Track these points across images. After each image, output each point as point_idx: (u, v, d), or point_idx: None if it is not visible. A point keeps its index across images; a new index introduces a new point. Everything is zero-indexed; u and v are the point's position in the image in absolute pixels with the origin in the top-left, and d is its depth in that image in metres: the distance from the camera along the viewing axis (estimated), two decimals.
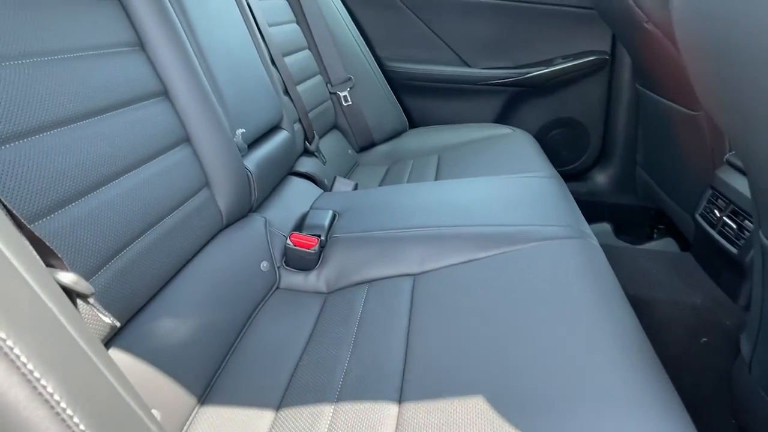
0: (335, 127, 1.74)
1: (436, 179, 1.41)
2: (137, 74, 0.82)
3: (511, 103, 1.86)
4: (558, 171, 1.84)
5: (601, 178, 1.89)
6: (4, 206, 0.50)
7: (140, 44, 0.86)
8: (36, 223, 0.56)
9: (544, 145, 1.66)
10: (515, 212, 0.99)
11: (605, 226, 1.82)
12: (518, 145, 1.49)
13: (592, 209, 1.87)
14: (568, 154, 1.89)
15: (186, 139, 0.90)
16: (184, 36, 0.92)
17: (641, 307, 1.07)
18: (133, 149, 0.76)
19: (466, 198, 1.08)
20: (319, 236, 1.02)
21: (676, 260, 1.27)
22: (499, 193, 1.09)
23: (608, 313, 0.72)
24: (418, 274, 0.92)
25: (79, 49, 0.72)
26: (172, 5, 0.92)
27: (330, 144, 1.63)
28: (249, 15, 1.21)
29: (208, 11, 1.02)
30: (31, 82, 0.62)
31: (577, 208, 1.04)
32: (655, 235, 1.75)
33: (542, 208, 1.00)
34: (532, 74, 1.78)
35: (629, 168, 1.78)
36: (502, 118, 1.88)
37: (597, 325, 0.69)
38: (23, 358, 0.34)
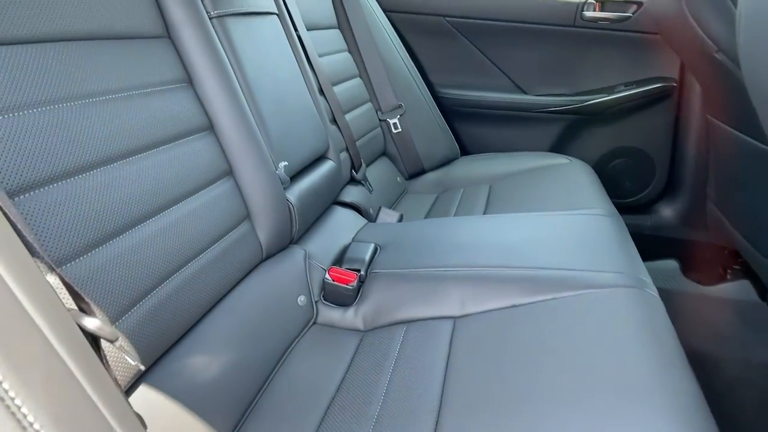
0: (384, 154, 1.73)
1: (485, 211, 1.36)
2: (184, 110, 0.83)
3: (568, 131, 1.78)
4: (620, 203, 1.74)
5: (667, 212, 1.77)
6: (33, 249, 0.51)
7: (188, 80, 0.87)
8: (69, 264, 0.57)
9: (604, 176, 1.57)
10: (565, 255, 0.93)
11: (672, 263, 1.69)
12: (575, 176, 1.41)
13: (657, 244, 1.75)
14: (631, 185, 1.78)
15: (229, 172, 0.91)
16: (231, 70, 0.93)
17: (707, 365, 0.97)
18: (176, 184, 0.77)
19: (513, 236, 1.02)
20: (359, 271, 1.00)
21: (750, 310, 1.15)
22: (549, 232, 1.03)
23: (664, 375, 0.64)
24: (459, 317, 0.88)
25: (131, 88, 0.74)
26: (220, 40, 0.94)
27: (378, 171, 1.61)
28: (298, 46, 1.22)
29: (257, 44, 1.04)
30: (84, 122, 0.64)
31: (636, 253, 0.96)
32: (728, 276, 1.61)
33: (596, 251, 0.93)
34: (592, 102, 1.70)
35: (699, 202, 1.65)
36: (559, 146, 1.80)
37: (649, 388, 0.62)
38: (24, 410, 0.32)
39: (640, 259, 0.94)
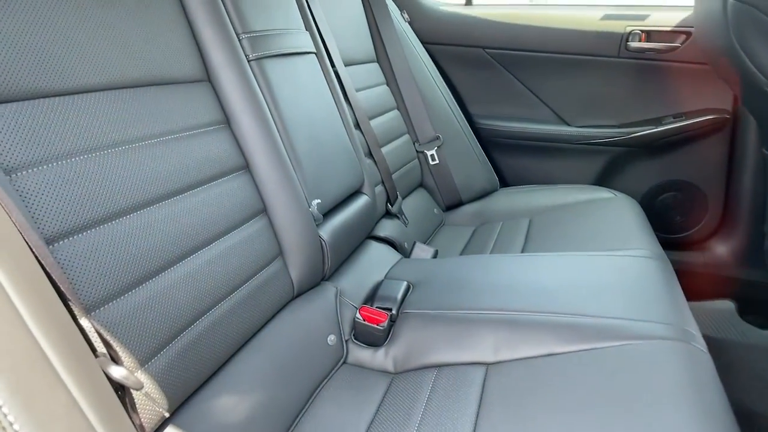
0: (422, 185, 1.72)
1: (524, 247, 1.32)
2: (221, 151, 0.85)
3: (613, 163, 1.72)
4: (669, 238, 1.66)
5: (722, 249, 1.67)
6: (65, 296, 0.52)
7: (226, 121, 0.90)
8: (101, 309, 0.58)
9: (652, 210, 1.50)
10: (606, 301, 0.88)
11: (728, 304, 1.58)
12: (619, 212, 1.36)
13: (711, 284, 1.65)
14: (681, 220, 1.70)
15: (262, 211, 0.92)
16: (268, 110, 0.95)
17: (761, 425, 0.89)
18: (210, 225, 0.78)
19: (551, 279, 0.99)
20: (390, 310, 0.98)
21: None
22: (589, 275, 0.98)
23: None
24: (491, 363, 0.85)
25: (171, 132, 0.76)
26: (258, 81, 0.96)
27: (415, 203, 1.60)
28: (335, 82, 1.24)
29: (294, 83, 1.06)
30: (124, 168, 0.67)
31: (684, 301, 0.91)
32: None
33: (639, 299, 0.88)
34: (638, 134, 1.64)
35: (757, 239, 1.55)
36: (603, 180, 1.74)
37: None
38: None
39: (688, 307, 0.89)
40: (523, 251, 1.29)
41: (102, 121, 0.66)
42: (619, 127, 1.69)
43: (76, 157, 0.61)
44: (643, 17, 1.58)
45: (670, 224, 1.69)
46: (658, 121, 1.63)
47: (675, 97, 1.61)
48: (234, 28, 0.95)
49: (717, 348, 0.78)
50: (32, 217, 0.54)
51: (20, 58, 0.58)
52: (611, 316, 0.84)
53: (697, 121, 1.57)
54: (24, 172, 0.55)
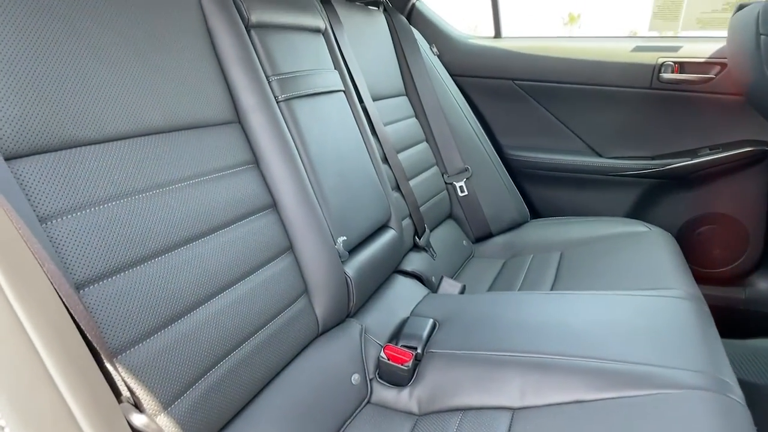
0: (451, 216, 1.71)
1: (554, 282, 1.30)
2: (249, 191, 0.87)
3: (647, 196, 1.68)
4: (708, 273, 1.60)
5: (764, 285, 1.59)
6: (91, 342, 0.54)
7: (255, 161, 0.92)
8: (126, 353, 0.60)
9: (688, 244, 1.45)
10: (637, 346, 0.85)
11: None
12: (653, 248, 1.32)
13: (753, 321, 1.57)
14: (721, 255, 1.63)
15: (288, 248, 0.93)
16: (296, 150, 0.97)
17: None
18: (236, 265, 0.80)
19: (581, 320, 0.96)
20: (416, 349, 0.98)
21: None
22: (621, 316, 0.95)
23: None
24: (517, 408, 0.83)
25: (201, 174, 0.79)
26: (286, 121, 0.98)
27: (443, 235, 1.60)
28: (363, 118, 1.26)
29: (321, 121, 1.08)
30: (155, 212, 0.69)
31: (720, 347, 0.87)
32: None
33: (673, 344, 0.85)
34: (673, 166, 1.60)
35: None
36: (636, 212, 1.70)
37: None
38: None
39: (724, 354, 0.85)
40: (553, 288, 1.27)
41: (133, 167, 0.68)
42: (652, 158, 1.65)
43: (107, 203, 0.63)
44: (675, 48, 1.56)
45: (708, 258, 1.63)
46: (693, 153, 1.59)
47: (710, 128, 1.57)
48: (264, 70, 0.98)
49: (757, 395, 0.74)
50: (63, 263, 0.56)
51: (58, 111, 0.61)
52: (642, 362, 0.81)
53: (734, 153, 1.52)
54: (58, 220, 0.58)
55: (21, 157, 0.57)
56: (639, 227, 1.49)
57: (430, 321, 1.05)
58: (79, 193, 0.61)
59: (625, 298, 1.03)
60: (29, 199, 0.56)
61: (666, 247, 1.32)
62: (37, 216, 0.56)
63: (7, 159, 0.56)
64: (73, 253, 0.58)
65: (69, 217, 0.59)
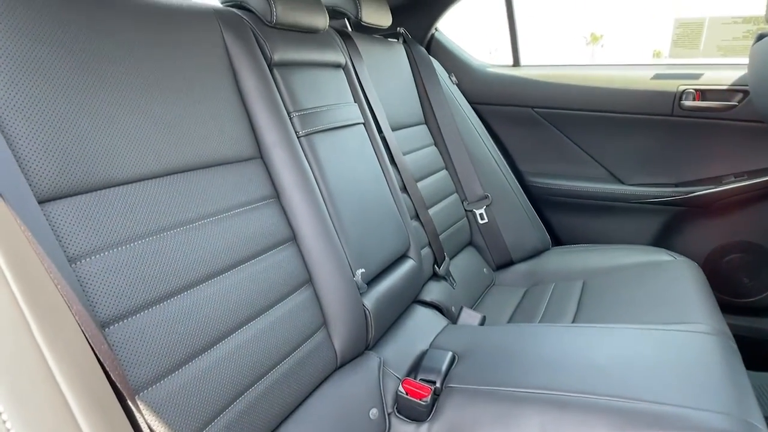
0: (471, 244, 1.71)
1: (576, 314, 1.28)
2: (271, 225, 0.89)
3: (671, 224, 1.65)
4: (736, 302, 1.55)
5: None
6: (113, 380, 0.55)
7: (276, 195, 0.94)
8: (147, 390, 0.61)
9: (715, 272, 1.42)
10: (661, 384, 0.83)
11: None
12: (679, 278, 1.29)
13: None
14: (749, 284, 1.59)
15: (308, 281, 0.94)
16: (315, 183, 0.99)
17: None
18: (257, 299, 0.81)
19: (603, 355, 0.94)
20: (435, 383, 0.97)
21: None
22: (644, 352, 0.93)
23: None
24: None
25: (224, 210, 0.81)
26: (306, 156, 1.01)
27: (463, 263, 1.59)
28: (382, 148, 1.27)
29: (341, 153, 1.10)
30: (178, 249, 0.71)
31: (748, 385, 0.84)
32: None
33: (698, 383, 0.82)
34: (698, 193, 1.57)
35: None
36: (661, 240, 1.67)
37: None
38: None
39: (752, 394, 0.82)
40: (575, 319, 1.25)
41: (159, 205, 0.71)
42: (676, 185, 1.63)
43: (133, 242, 0.65)
44: (695, 76, 1.55)
45: (737, 288, 1.58)
46: (718, 181, 1.56)
47: (735, 155, 1.54)
48: (285, 106, 1.01)
49: None
50: (89, 303, 0.58)
51: (89, 155, 0.64)
52: (666, 402, 0.79)
53: (761, 181, 1.49)
54: (86, 260, 0.60)
55: (54, 200, 0.60)
56: (663, 256, 1.46)
57: (450, 354, 1.05)
58: (106, 233, 0.63)
59: (649, 332, 1.00)
60: (60, 241, 0.58)
61: (692, 277, 1.29)
62: (67, 257, 0.58)
63: (40, 202, 0.58)
64: (100, 292, 0.60)
65: (97, 256, 0.61)
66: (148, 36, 0.76)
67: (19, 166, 0.57)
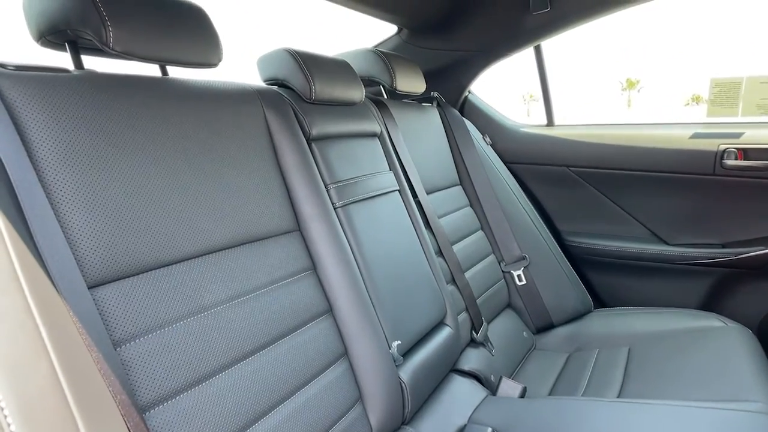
0: (509, 306, 1.67)
1: (622, 387, 1.21)
2: (308, 297, 0.90)
3: (719, 286, 1.58)
4: None
5: None
6: None
7: (313, 267, 0.95)
8: None
9: None
10: None
11: None
12: (731, 348, 1.22)
13: None
14: None
15: (343, 354, 0.94)
16: (352, 254, 1.00)
17: None
18: (294, 375, 0.80)
19: None
20: None
21: None
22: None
23: None
24: None
25: (262, 285, 0.82)
26: (343, 227, 1.02)
27: (502, 326, 1.55)
28: (417, 213, 1.28)
29: (376, 222, 1.11)
30: (217, 329, 0.71)
31: None
32: None
33: None
34: (749, 254, 1.50)
35: None
36: (710, 304, 1.59)
37: None
38: None
39: None
40: (621, 392, 1.19)
41: (201, 284, 0.73)
42: (722, 246, 1.57)
43: (176, 323, 0.67)
44: (736, 135, 1.52)
45: None
46: (767, 241, 1.49)
47: None
48: (323, 179, 1.04)
49: None
50: (131, 387, 0.60)
51: (137, 238, 0.66)
52: None
53: None
54: (130, 344, 0.62)
55: (102, 284, 0.62)
56: (714, 321, 1.39)
57: (489, 431, 1.01)
58: (151, 315, 0.65)
59: (701, 411, 0.95)
60: (106, 326, 0.61)
61: (745, 346, 1.22)
62: (113, 341, 0.60)
63: (90, 287, 0.61)
64: (142, 376, 0.61)
65: (140, 340, 0.63)
66: (198, 117, 0.80)
67: (72, 253, 0.60)
